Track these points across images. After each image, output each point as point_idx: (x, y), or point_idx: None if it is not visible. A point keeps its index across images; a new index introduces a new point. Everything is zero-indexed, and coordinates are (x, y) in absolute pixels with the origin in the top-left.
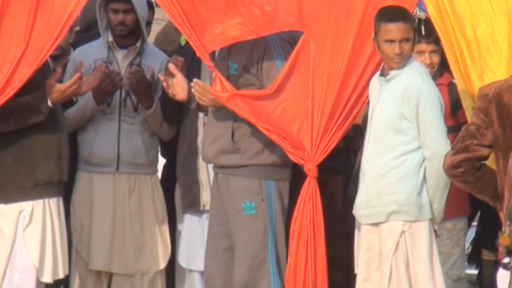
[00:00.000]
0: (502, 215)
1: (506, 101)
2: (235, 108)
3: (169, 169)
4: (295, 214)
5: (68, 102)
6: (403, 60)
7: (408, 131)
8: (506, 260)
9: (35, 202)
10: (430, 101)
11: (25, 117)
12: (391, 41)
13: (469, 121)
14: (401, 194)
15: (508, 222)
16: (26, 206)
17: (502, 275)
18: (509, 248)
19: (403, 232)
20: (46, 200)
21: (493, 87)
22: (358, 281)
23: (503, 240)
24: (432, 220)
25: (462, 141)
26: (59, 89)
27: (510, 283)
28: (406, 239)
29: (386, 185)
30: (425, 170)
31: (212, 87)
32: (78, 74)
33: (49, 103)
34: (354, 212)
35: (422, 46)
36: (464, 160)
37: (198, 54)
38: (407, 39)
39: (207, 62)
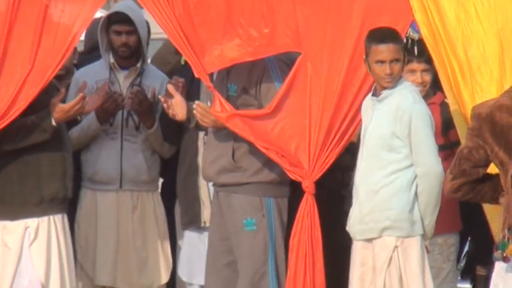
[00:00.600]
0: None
1: (498, 120)
2: (234, 128)
3: (167, 187)
4: (294, 229)
5: (72, 121)
6: (394, 80)
7: (400, 149)
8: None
9: (40, 219)
10: (421, 120)
11: (30, 136)
12: (382, 62)
13: (462, 140)
14: (394, 210)
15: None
16: (32, 222)
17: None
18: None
19: (396, 247)
20: (51, 217)
21: (486, 106)
22: None
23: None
24: (424, 235)
25: (459, 165)
26: (62, 109)
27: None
28: (399, 254)
29: (379, 201)
30: (416, 187)
31: (212, 107)
32: (81, 94)
33: (53, 122)
34: (347, 228)
35: (414, 65)
36: (463, 184)
37: (197, 75)
38: (397, 60)
39: (206, 83)
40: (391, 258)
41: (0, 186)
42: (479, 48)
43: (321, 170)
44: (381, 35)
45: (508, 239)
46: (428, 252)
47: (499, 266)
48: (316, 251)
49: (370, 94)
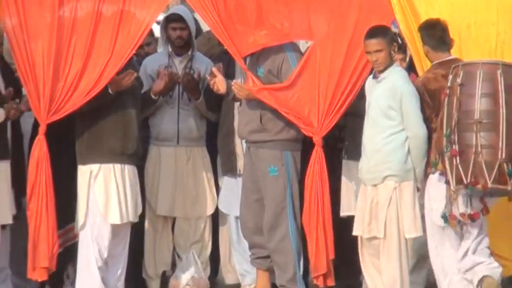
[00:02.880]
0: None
1: (430, 87)
2: (263, 98)
3: (209, 144)
4: (307, 172)
5: (149, 101)
6: (380, 65)
7: (395, 118)
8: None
9: (101, 165)
10: (409, 97)
11: (97, 100)
12: (369, 52)
13: None
14: (393, 162)
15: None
16: (95, 167)
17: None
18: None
19: (394, 188)
20: (111, 165)
21: (418, 81)
22: (362, 225)
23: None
24: (415, 179)
25: None
26: (115, 80)
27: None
28: (397, 193)
29: (381, 156)
30: (409, 145)
31: (246, 83)
32: (130, 70)
33: (109, 91)
34: (359, 176)
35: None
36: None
37: (235, 58)
38: (379, 50)
39: (242, 65)
40: (391, 197)
41: (77, 140)
42: None
43: (327, 128)
44: (368, 32)
45: (438, 160)
46: (418, 191)
47: (432, 178)
48: (324, 188)
49: (371, 77)
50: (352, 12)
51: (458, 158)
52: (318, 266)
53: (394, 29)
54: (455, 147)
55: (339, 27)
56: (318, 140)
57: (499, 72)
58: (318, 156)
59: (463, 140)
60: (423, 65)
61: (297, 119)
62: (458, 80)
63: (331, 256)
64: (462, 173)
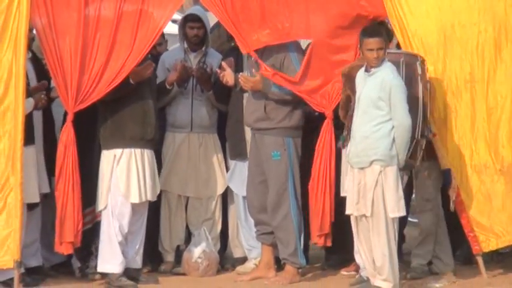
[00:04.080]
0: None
1: (353, 74)
2: (277, 81)
3: (219, 132)
4: (318, 141)
5: (164, 91)
6: (379, 61)
7: (383, 108)
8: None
9: (123, 150)
10: (397, 89)
11: (119, 90)
12: (371, 50)
13: None
14: (379, 149)
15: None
16: (117, 152)
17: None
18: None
19: (380, 172)
20: (132, 150)
21: (346, 68)
22: (351, 204)
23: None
24: (398, 164)
25: (341, 99)
26: (135, 71)
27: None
28: (382, 177)
29: (369, 143)
30: (394, 134)
31: (260, 70)
32: (149, 62)
33: (130, 80)
34: (347, 159)
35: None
36: (343, 107)
37: (246, 50)
38: (381, 48)
39: (254, 56)
40: (377, 180)
41: (101, 127)
42: (428, 38)
43: (335, 103)
44: (370, 31)
45: (347, 135)
46: (402, 177)
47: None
48: (331, 156)
49: (362, 70)
50: (346, 13)
51: None
52: (323, 226)
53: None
54: None
55: (334, 27)
56: (329, 113)
57: (417, 62)
58: (328, 127)
59: None
60: None
61: (309, 99)
62: None
63: (332, 219)
64: None
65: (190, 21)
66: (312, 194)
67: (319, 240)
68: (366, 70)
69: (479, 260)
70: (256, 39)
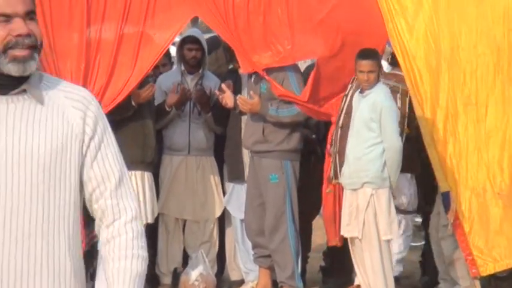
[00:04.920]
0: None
1: None
2: (290, 98)
3: (216, 154)
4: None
5: (163, 113)
6: (370, 84)
7: (375, 130)
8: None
9: None
10: (388, 112)
11: (120, 111)
12: (362, 72)
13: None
14: (370, 171)
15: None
16: None
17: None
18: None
19: (372, 194)
20: (133, 172)
21: None
22: (343, 225)
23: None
24: (390, 187)
25: None
26: (136, 93)
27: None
28: (374, 199)
29: (361, 164)
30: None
31: (276, 91)
32: (151, 84)
33: (132, 103)
34: (340, 180)
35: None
36: None
37: (246, 70)
38: (372, 71)
39: (261, 72)
40: (369, 202)
41: None
42: (428, 61)
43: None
44: (363, 54)
45: None
46: (394, 198)
47: None
48: None
49: (358, 92)
50: (350, 34)
51: None
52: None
53: (388, 48)
54: None
55: (339, 47)
56: (335, 119)
57: (398, 95)
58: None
59: None
60: (413, 84)
61: (315, 113)
62: None
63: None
64: None
65: (189, 43)
66: (325, 202)
67: (337, 241)
68: (360, 92)
69: (477, 283)
70: (257, 61)
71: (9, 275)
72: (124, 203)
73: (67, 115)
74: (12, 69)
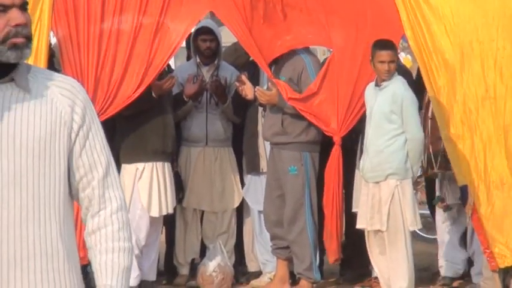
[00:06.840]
0: None
1: None
2: (291, 102)
3: (235, 145)
4: (327, 168)
5: (180, 103)
6: (390, 74)
7: (396, 121)
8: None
9: (145, 164)
10: (409, 102)
11: (141, 104)
12: (383, 62)
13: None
14: (394, 162)
15: None
16: (140, 166)
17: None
18: None
19: (396, 186)
20: (154, 163)
21: None
22: (364, 218)
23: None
24: (412, 177)
25: None
26: (157, 84)
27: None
28: (399, 190)
29: (383, 157)
30: (407, 146)
31: (283, 92)
32: (171, 75)
33: (153, 94)
34: (361, 174)
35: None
36: None
37: (261, 66)
38: (393, 61)
39: (267, 72)
40: (393, 193)
41: (122, 141)
42: (445, 55)
43: (346, 130)
44: (382, 44)
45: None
46: (415, 189)
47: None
48: (340, 179)
49: (372, 84)
50: (369, 26)
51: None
52: (336, 250)
53: (403, 43)
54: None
55: (354, 41)
56: (337, 139)
57: None
58: (336, 153)
59: None
60: (430, 77)
61: (318, 122)
62: None
63: (341, 239)
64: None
65: (203, 33)
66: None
67: (338, 258)
68: (376, 84)
69: (496, 276)
70: (280, 45)
71: (2, 260)
72: (110, 193)
73: (55, 102)
74: (11, 56)
